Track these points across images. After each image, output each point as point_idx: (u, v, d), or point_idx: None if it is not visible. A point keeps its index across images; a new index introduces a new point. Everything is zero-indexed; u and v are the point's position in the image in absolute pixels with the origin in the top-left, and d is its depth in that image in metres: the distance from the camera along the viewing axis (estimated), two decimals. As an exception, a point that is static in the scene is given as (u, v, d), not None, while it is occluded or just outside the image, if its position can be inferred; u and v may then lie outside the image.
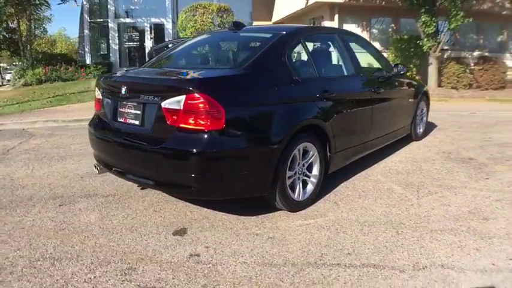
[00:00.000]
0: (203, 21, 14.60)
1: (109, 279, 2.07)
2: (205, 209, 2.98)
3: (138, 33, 17.53)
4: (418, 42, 12.83)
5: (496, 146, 5.01)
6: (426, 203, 3.14)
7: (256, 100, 2.57)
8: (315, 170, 3.08)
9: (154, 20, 17.58)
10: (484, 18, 14.46)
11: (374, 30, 17.24)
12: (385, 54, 13.68)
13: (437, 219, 2.83)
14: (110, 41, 17.36)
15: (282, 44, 2.91)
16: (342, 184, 3.59)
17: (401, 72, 4.28)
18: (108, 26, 17.34)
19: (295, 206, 2.92)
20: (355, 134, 3.59)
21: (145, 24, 17.59)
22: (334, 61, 3.63)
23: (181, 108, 2.36)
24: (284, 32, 3.06)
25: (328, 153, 3.17)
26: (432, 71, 12.65)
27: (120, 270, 2.15)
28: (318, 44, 3.65)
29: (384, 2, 15.55)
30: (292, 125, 2.70)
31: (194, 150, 2.34)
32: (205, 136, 2.35)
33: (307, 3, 16.85)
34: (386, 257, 2.32)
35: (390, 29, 16.79)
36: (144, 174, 2.65)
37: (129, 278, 2.08)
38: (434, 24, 12.51)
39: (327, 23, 16.86)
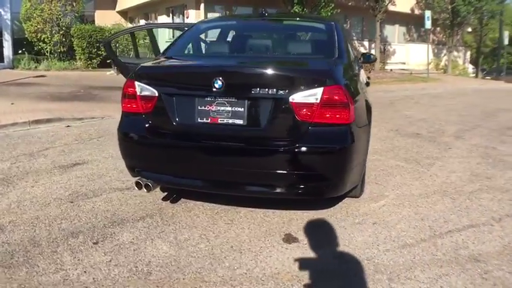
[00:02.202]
0: (51, 10, 13.46)
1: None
2: (272, 211, 2.85)
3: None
4: None
5: (421, 122, 6.35)
6: (438, 172, 3.85)
7: (356, 90, 2.63)
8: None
9: (-11, 10, 14.77)
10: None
11: (237, 20, 18.19)
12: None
13: (462, 184, 3.54)
14: None
15: (342, 35, 3.00)
16: (358, 167, 3.98)
17: (372, 60, 4.92)
18: None
19: (362, 191, 3.13)
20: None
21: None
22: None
23: (319, 101, 2.24)
24: (333, 23, 3.13)
25: None
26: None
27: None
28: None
29: (246, -9, 16.59)
30: (371, 112, 2.88)
31: (339, 146, 2.30)
32: (346, 130, 2.32)
33: (170, -10, 16.54)
34: (469, 217, 2.85)
35: None
36: (256, 181, 2.39)
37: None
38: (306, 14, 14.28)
39: (191, 12, 16.94)
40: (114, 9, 21.98)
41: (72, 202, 3.04)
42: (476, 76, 22.64)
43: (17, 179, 3.51)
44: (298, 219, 2.77)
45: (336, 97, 2.26)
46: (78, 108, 6.80)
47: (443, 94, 10.58)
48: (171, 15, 19.06)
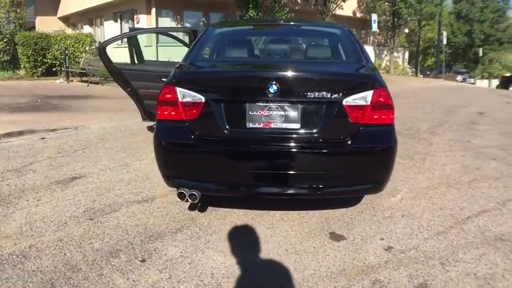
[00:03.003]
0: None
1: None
2: (304, 212, 2.91)
3: None
4: None
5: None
6: (433, 166, 4.15)
7: None
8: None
9: None
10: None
11: (187, 24, 18.04)
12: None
13: (458, 175, 3.86)
14: None
15: (358, 40, 3.14)
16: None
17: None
18: None
19: None
20: None
21: None
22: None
23: (369, 104, 2.35)
24: (346, 28, 3.26)
25: None
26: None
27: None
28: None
29: (197, -4, 16.53)
30: None
31: (388, 145, 2.45)
32: (390, 130, 2.48)
33: (120, -5, 16.07)
34: (478, 204, 3.15)
35: (202, 23, 18.05)
36: (312, 183, 2.45)
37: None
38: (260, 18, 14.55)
39: (142, 17, 16.48)
40: (56, 15, 20.90)
41: (91, 219, 2.84)
42: (416, 75, 24.52)
43: (14, 198, 3.20)
44: (333, 217, 2.85)
45: (382, 99, 2.41)
46: (44, 119, 6.32)
47: (397, 93, 11.28)
48: (119, 20, 18.38)
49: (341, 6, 19.40)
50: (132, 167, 4.04)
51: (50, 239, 2.55)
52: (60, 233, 2.62)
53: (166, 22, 16.84)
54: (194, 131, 2.45)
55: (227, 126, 2.41)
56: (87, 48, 15.41)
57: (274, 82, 2.32)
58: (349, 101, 2.36)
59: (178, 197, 2.51)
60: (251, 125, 2.40)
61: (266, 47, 3.29)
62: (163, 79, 4.41)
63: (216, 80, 2.55)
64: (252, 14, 14.54)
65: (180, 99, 2.45)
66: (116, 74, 4.01)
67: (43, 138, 5.20)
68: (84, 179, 3.67)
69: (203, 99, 2.41)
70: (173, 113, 2.48)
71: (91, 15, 19.69)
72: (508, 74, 24.40)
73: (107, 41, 3.99)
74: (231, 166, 2.44)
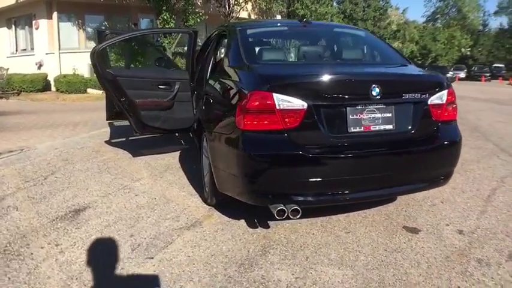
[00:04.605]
0: None
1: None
2: (362, 212, 2.91)
3: None
4: (157, 39, 13.79)
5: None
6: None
7: None
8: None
9: None
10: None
11: (89, 29, 16.40)
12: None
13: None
14: None
15: None
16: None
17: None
18: None
19: None
20: None
21: None
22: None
23: (444, 102, 2.49)
24: (367, 30, 3.32)
25: None
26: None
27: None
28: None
29: (99, -1, 15.18)
30: None
31: (458, 138, 2.59)
32: (456, 124, 2.64)
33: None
34: (485, 184, 3.58)
35: (103, 26, 16.57)
36: (411, 180, 2.50)
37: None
38: (173, 21, 13.90)
39: (42, 22, 14.40)
40: None
41: (151, 258, 2.32)
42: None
43: (20, 247, 2.44)
44: (391, 213, 2.92)
45: (452, 97, 2.58)
46: (-30, 144, 5.01)
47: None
48: (13, 26, 15.69)
49: (245, 8, 19.69)
50: (137, 189, 3.45)
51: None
52: (132, 283, 2.10)
53: (68, 26, 15.00)
54: (295, 140, 2.21)
55: (329, 133, 2.25)
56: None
57: (376, 85, 2.27)
58: (433, 100, 2.47)
59: (277, 215, 2.22)
60: (352, 129, 2.29)
61: (319, 50, 3.16)
62: (160, 86, 3.98)
63: (318, 84, 2.31)
64: (165, 17, 13.79)
65: (278, 107, 2.16)
66: (110, 82, 3.33)
67: (-11, 165, 4.12)
68: (91, 210, 3.01)
69: (305, 106, 2.18)
70: (266, 122, 2.17)
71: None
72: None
73: (101, 45, 3.28)
74: (339, 174, 2.29)
